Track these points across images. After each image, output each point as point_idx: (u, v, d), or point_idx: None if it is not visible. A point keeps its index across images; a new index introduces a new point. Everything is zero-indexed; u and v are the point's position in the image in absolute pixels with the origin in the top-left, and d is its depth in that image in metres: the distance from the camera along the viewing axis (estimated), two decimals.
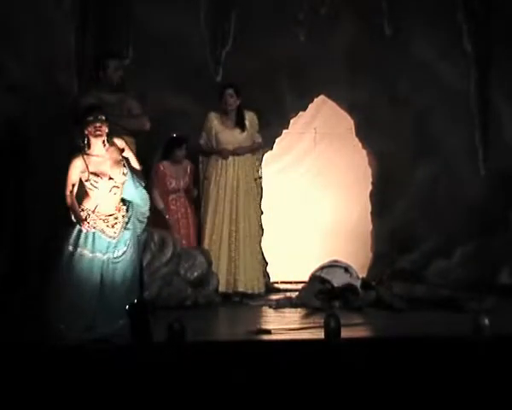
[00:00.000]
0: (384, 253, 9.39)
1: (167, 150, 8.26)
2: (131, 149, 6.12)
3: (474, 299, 7.17)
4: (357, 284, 7.62)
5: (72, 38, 8.74)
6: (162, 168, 8.23)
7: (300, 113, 9.57)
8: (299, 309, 7.45)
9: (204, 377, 4.85)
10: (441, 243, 9.21)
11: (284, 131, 9.51)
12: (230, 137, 8.31)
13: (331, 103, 9.60)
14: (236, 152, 8.29)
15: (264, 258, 8.64)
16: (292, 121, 9.54)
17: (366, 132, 9.55)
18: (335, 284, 7.58)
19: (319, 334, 5.44)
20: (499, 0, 9.23)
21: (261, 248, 8.53)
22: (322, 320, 5.39)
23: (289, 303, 7.68)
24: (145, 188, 6.05)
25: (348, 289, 7.52)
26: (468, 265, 8.97)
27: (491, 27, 9.23)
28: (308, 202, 9.80)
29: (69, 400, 4.73)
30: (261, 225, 8.53)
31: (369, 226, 9.62)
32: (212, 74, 9.06)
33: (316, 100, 9.53)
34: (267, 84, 9.10)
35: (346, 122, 9.66)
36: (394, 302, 7.24)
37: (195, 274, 7.72)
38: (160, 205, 8.13)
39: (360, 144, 9.63)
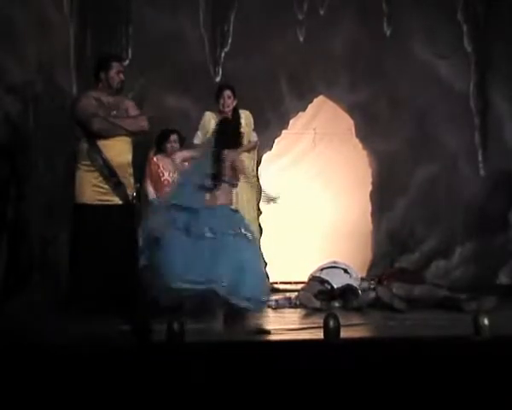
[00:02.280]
0: (384, 253, 9.39)
1: (158, 143, 8.30)
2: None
3: (474, 299, 7.15)
4: (357, 284, 7.61)
5: (71, 39, 8.76)
6: (155, 160, 8.25)
7: (300, 113, 9.58)
8: (298, 309, 7.44)
9: (204, 377, 4.84)
10: (441, 243, 9.22)
11: (284, 131, 9.52)
12: None
13: (331, 104, 9.60)
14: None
15: (263, 258, 8.62)
16: (291, 122, 9.55)
17: (366, 132, 9.55)
18: (335, 286, 7.57)
19: (318, 334, 5.42)
20: (499, 0, 9.25)
21: (260, 248, 8.52)
22: (322, 321, 5.38)
23: (289, 303, 7.67)
24: None
25: (348, 289, 7.51)
26: (467, 265, 8.99)
27: (491, 27, 9.24)
28: (308, 203, 9.80)
29: (68, 400, 4.73)
30: (259, 224, 8.52)
31: (369, 226, 9.62)
32: (212, 75, 9.07)
33: (315, 100, 9.53)
34: (267, 85, 9.11)
35: (346, 122, 9.67)
36: (394, 302, 7.22)
37: None
38: (150, 196, 8.19)
39: (360, 144, 9.63)
